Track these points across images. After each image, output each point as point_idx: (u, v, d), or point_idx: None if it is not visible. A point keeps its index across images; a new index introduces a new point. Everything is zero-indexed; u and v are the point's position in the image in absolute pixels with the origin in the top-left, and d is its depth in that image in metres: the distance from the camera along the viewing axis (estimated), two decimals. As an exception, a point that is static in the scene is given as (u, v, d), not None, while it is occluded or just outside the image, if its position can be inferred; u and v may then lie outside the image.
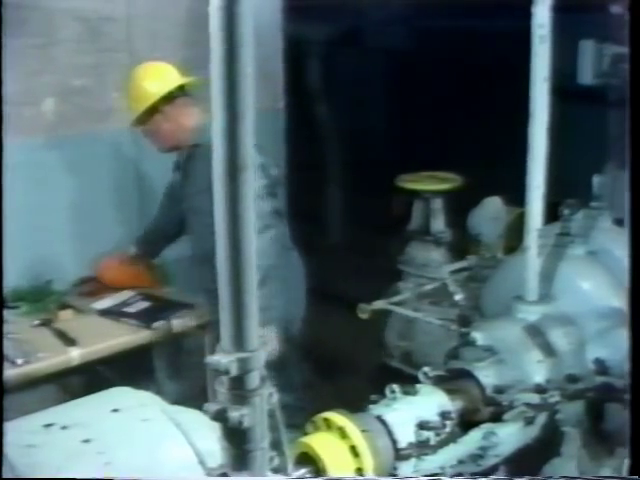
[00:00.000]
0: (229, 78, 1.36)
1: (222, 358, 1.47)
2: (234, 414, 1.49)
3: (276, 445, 1.63)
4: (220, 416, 1.51)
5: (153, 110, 3.87)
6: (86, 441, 1.79)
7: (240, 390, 1.50)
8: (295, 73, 5.86)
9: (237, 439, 1.54)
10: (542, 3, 2.62)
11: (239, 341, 1.47)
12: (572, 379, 2.60)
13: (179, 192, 3.99)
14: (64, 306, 4.12)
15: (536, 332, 2.71)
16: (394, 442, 2.20)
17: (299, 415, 2.24)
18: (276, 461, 1.63)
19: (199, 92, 3.85)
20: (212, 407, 1.52)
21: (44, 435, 1.82)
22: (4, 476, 1.69)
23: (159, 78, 3.91)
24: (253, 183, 1.42)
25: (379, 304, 3.84)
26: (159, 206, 4.36)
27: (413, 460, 2.22)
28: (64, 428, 1.84)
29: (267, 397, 1.54)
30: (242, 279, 1.45)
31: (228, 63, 1.35)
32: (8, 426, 1.86)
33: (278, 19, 5.35)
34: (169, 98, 3.88)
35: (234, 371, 1.47)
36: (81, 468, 1.72)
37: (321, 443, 2.09)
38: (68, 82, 4.37)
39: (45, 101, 4.36)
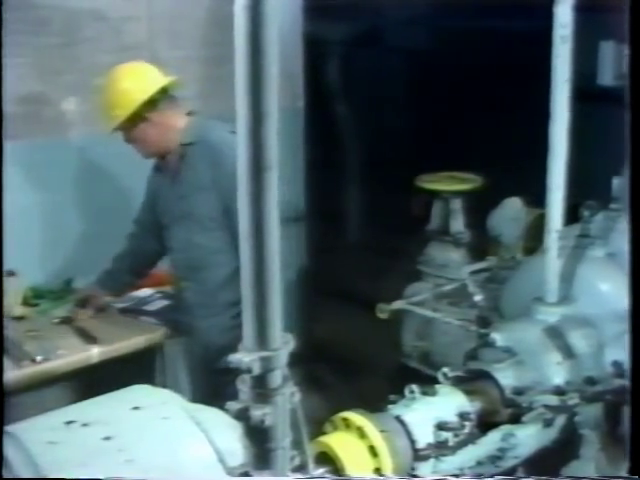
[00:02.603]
0: (254, 78, 1.36)
1: (244, 357, 1.47)
2: (256, 413, 1.50)
3: (297, 444, 1.63)
4: (242, 415, 1.51)
5: (136, 116, 3.56)
6: (107, 438, 1.79)
7: (262, 389, 1.51)
8: (315, 72, 5.86)
9: (259, 438, 1.54)
10: (564, 3, 2.61)
11: (262, 340, 1.48)
12: (591, 381, 2.60)
13: (162, 205, 3.78)
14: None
15: (555, 334, 2.70)
16: (413, 442, 2.20)
17: None
18: (297, 460, 1.63)
19: (180, 92, 3.65)
20: (234, 406, 1.52)
21: (65, 432, 1.83)
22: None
23: (140, 80, 3.60)
24: (276, 183, 1.43)
25: (398, 304, 3.83)
26: (130, 237, 4.06)
27: (432, 461, 2.23)
28: (85, 425, 1.84)
29: (289, 396, 1.54)
30: (266, 278, 1.45)
31: (253, 63, 1.35)
32: (29, 423, 1.88)
33: (298, 19, 5.36)
34: (153, 102, 3.56)
35: (256, 370, 1.48)
36: (102, 465, 1.72)
37: (340, 443, 2.09)
38: (89, 81, 4.38)
39: (66, 100, 4.38)
